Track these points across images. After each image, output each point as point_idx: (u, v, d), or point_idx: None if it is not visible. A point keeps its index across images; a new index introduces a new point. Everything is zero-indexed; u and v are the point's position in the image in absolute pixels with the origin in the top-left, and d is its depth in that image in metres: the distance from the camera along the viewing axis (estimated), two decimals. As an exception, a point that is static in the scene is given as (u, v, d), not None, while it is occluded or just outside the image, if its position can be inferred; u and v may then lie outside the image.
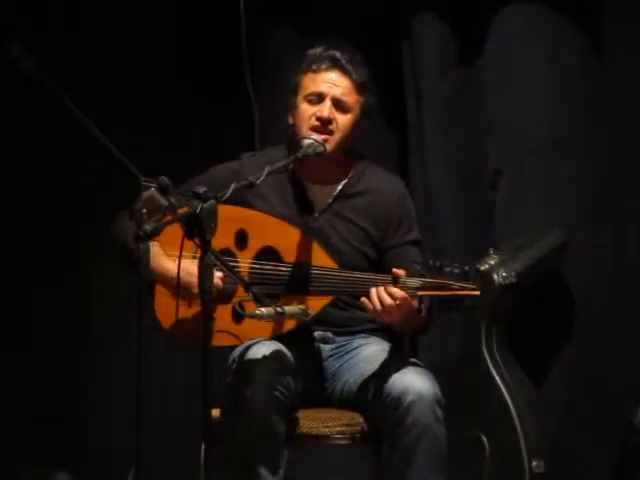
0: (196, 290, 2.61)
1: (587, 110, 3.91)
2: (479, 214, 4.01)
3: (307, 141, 3.08)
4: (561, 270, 3.89)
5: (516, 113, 3.95)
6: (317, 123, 3.12)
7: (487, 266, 3.70)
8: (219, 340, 2.92)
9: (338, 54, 3.18)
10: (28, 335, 4.11)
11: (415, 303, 2.93)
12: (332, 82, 3.15)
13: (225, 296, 3.01)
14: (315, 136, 3.09)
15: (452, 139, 4.04)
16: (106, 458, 4.04)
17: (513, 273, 3.70)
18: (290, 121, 3.21)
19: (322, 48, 3.21)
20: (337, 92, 3.14)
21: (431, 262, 2.87)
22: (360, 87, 3.18)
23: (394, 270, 2.90)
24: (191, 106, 4.11)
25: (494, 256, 3.72)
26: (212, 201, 2.55)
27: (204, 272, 2.52)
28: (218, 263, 2.78)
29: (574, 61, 3.92)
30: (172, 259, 3.00)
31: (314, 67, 3.17)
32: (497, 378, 3.68)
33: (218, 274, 2.94)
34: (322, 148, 3.08)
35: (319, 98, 3.14)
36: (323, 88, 3.15)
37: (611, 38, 3.88)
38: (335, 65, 3.17)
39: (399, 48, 4.06)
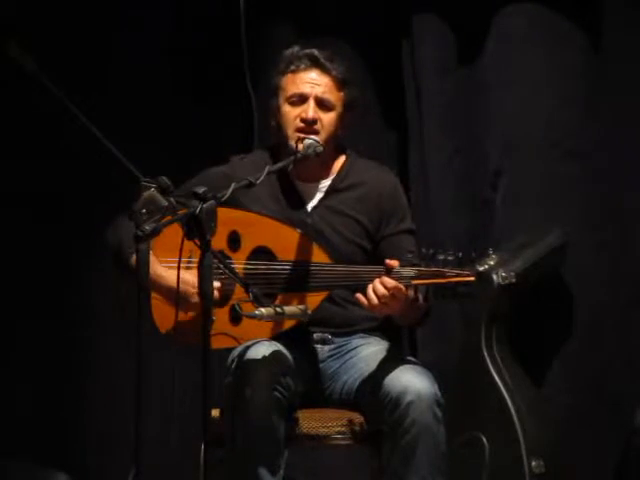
0: (192, 299, 2.61)
1: (587, 110, 3.91)
2: (479, 214, 4.01)
3: (307, 141, 3.08)
4: (561, 270, 3.89)
5: (516, 113, 3.95)
6: (302, 124, 3.12)
7: (486, 266, 3.69)
8: (217, 342, 2.92)
9: (316, 52, 3.18)
10: (28, 335, 4.11)
11: (411, 293, 2.93)
12: (313, 81, 3.15)
13: (222, 299, 3.01)
14: (301, 135, 3.09)
15: (452, 139, 4.04)
16: (106, 458, 4.04)
17: (513, 273, 3.71)
18: (273, 123, 3.21)
19: (298, 47, 3.21)
20: (319, 91, 3.14)
21: (424, 250, 2.88)
22: (341, 83, 3.18)
23: (387, 261, 2.90)
24: (191, 106, 4.11)
25: (494, 256, 3.71)
26: (211, 201, 2.55)
27: (204, 272, 2.52)
28: (218, 263, 2.78)
29: (574, 61, 3.92)
30: (163, 266, 2.99)
31: (293, 67, 3.17)
32: (497, 378, 3.68)
33: (216, 284, 2.94)
34: (322, 148, 3.08)
35: (301, 99, 3.14)
36: (305, 89, 3.15)
37: (611, 38, 3.88)
38: (314, 64, 3.16)
39: (399, 48, 4.06)
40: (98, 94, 3.93)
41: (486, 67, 3.97)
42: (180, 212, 2.58)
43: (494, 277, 3.69)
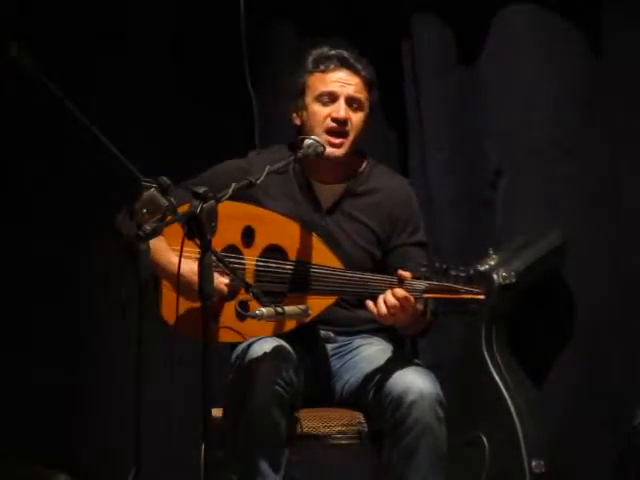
0: None
1: (587, 110, 3.91)
2: (479, 214, 4.01)
3: (307, 141, 3.07)
4: (561, 270, 3.89)
5: (516, 113, 3.95)
6: (333, 124, 3.11)
7: (487, 266, 3.70)
8: (223, 336, 2.94)
9: (345, 53, 3.18)
10: (28, 335, 4.11)
11: (420, 306, 2.94)
12: (343, 81, 3.14)
13: (229, 295, 3.01)
14: (331, 138, 3.08)
15: (452, 139, 4.04)
16: (106, 458, 4.04)
17: (513, 273, 3.71)
18: (298, 122, 3.20)
19: (327, 47, 3.20)
20: (350, 90, 3.14)
21: (437, 265, 2.87)
22: (369, 84, 3.18)
23: (399, 272, 2.90)
24: (191, 106, 4.11)
25: (494, 256, 3.72)
26: (212, 201, 2.55)
27: (204, 273, 2.52)
28: (219, 264, 2.78)
29: (574, 61, 3.92)
30: (176, 253, 2.99)
31: (322, 67, 3.16)
32: (497, 378, 3.68)
33: (224, 280, 2.95)
34: (322, 148, 3.07)
35: (331, 98, 3.13)
36: (335, 87, 3.14)
37: (611, 38, 3.88)
38: (343, 64, 3.16)
39: (399, 48, 4.06)
40: (98, 94, 3.94)
41: (486, 67, 3.98)
42: (182, 209, 2.58)
43: (494, 277, 3.69)
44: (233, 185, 2.75)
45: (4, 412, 4.04)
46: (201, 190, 2.55)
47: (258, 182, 2.84)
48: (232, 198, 2.69)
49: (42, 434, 4.07)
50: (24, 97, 3.70)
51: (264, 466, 2.91)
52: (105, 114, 2.99)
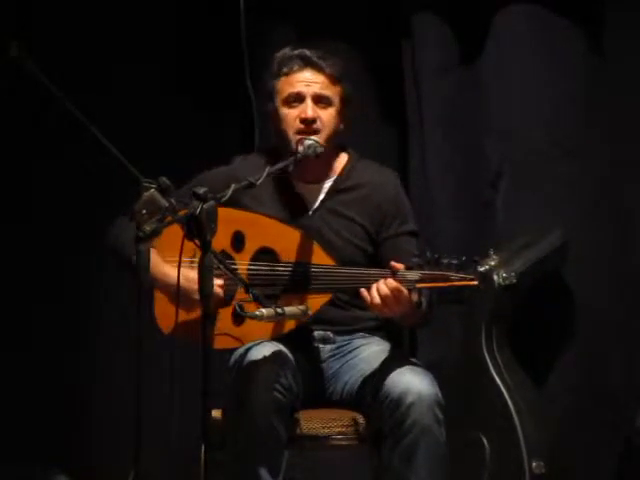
0: (196, 296, 2.61)
1: (587, 110, 3.91)
2: (479, 214, 4.01)
3: (307, 142, 3.07)
4: (561, 270, 3.89)
5: (516, 113, 3.95)
6: (302, 125, 3.12)
7: (487, 267, 3.70)
8: (220, 343, 2.93)
9: (307, 51, 3.17)
10: (28, 335, 4.11)
11: (415, 296, 2.93)
12: (308, 81, 3.14)
13: (225, 299, 3.01)
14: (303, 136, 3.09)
15: (452, 139, 4.04)
16: (106, 459, 4.04)
17: (513, 274, 3.70)
18: (272, 127, 3.20)
19: (289, 49, 3.20)
20: (316, 89, 3.13)
21: (429, 254, 2.87)
22: (335, 79, 3.16)
23: (392, 263, 2.89)
24: (191, 106, 4.11)
25: (494, 257, 3.72)
26: (212, 202, 2.55)
27: (204, 273, 2.52)
28: (218, 264, 2.78)
29: (574, 61, 3.92)
30: (170, 265, 3.00)
31: (285, 69, 3.16)
32: (497, 379, 3.68)
33: (218, 282, 2.94)
34: (322, 149, 3.08)
35: (298, 99, 3.13)
36: (300, 88, 3.14)
37: (611, 38, 3.88)
38: (307, 63, 3.15)
39: (399, 48, 4.06)
40: (98, 95, 3.93)
41: (486, 67, 3.97)
42: (181, 212, 2.58)
43: (495, 278, 3.69)
44: (233, 186, 2.75)
45: (4, 412, 4.04)
46: (201, 191, 2.55)
47: (258, 183, 2.84)
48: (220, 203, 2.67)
49: (42, 434, 4.07)
50: (24, 97, 3.70)
51: (263, 471, 2.91)
52: (105, 114, 2.99)
